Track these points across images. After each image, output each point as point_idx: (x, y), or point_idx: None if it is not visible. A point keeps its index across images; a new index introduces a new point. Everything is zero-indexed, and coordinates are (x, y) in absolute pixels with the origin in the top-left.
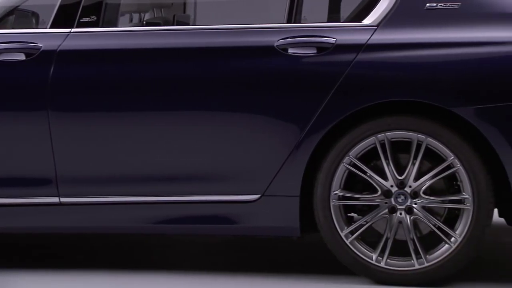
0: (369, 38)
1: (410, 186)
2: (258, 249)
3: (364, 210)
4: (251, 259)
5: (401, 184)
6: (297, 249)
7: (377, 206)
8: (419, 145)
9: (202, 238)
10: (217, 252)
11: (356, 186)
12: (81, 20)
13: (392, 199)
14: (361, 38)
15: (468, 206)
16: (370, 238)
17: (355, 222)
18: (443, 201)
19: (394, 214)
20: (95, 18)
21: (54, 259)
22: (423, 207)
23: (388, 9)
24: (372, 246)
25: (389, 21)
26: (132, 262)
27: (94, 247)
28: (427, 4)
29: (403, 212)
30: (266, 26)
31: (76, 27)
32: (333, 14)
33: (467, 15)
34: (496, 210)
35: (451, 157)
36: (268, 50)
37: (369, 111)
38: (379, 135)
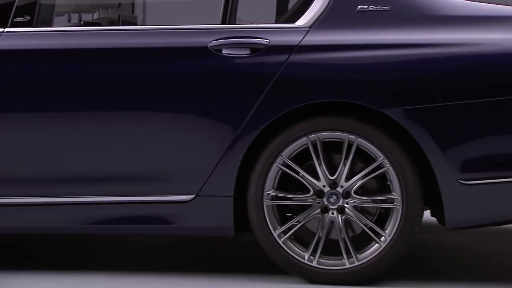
0: (301, 40)
1: (342, 186)
2: (197, 249)
3: (298, 210)
4: (191, 259)
5: (333, 184)
6: (236, 249)
7: (309, 206)
8: (350, 146)
9: (143, 238)
10: (156, 252)
11: (290, 186)
12: (15, 20)
13: (325, 199)
14: (293, 39)
15: (397, 205)
16: (307, 238)
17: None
18: (373, 201)
19: (326, 214)
20: (29, 18)
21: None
22: (355, 207)
23: (321, 11)
24: (306, 246)
25: (322, 22)
26: (73, 263)
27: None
28: (359, 6)
29: (335, 212)
30: (200, 27)
31: (10, 27)
32: (280, 16)
33: (397, 17)
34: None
35: (381, 158)
36: (201, 51)
37: (302, 111)
38: (311, 136)
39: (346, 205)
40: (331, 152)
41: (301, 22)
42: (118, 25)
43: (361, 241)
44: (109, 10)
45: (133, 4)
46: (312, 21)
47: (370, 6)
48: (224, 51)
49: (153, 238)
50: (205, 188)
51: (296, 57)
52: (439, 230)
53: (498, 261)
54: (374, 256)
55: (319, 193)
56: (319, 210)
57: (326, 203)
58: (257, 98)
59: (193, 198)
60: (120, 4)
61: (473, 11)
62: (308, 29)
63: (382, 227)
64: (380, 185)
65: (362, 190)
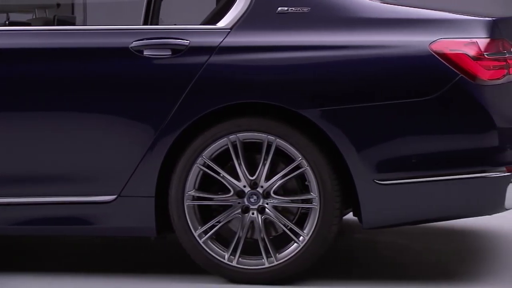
0: (222, 41)
1: (262, 187)
2: (121, 249)
3: (221, 211)
4: (115, 259)
5: (254, 185)
6: (160, 249)
7: (230, 206)
8: (269, 146)
9: (70, 238)
10: (86, 252)
11: (214, 186)
12: None
13: (245, 199)
14: (214, 40)
15: (315, 205)
16: (230, 238)
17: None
18: (292, 201)
19: (246, 214)
20: None
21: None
22: (274, 207)
23: (242, 12)
24: (226, 245)
25: (242, 24)
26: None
27: None
28: (279, 8)
29: (255, 212)
30: (122, 28)
31: None
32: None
33: (316, 19)
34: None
35: (299, 158)
36: (122, 52)
37: (225, 112)
38: (231, 136)
39: (266, 205)
40: (254, 153)
41: (222, 23)
42: (53, 25)
43: (283, 241)
44: (46, 10)
45: (72, 5)
46: (233, 22)
47: (290, 8)
48: (146, 52)
49: (87, 238)
50: (127, 189)
51: (216, 58)
52: (372, 230)
53: (428, 260)
54: (292, 256)
55: (240, 193)
56: (239, 210)
57: (246, 203)
58: (178, 99)
59: (115, 199)
60: (58, 5)
61: (390, 14)
62: (229, 30)
63: (301, 227)
64: (301, 185)
65: (284, 191)
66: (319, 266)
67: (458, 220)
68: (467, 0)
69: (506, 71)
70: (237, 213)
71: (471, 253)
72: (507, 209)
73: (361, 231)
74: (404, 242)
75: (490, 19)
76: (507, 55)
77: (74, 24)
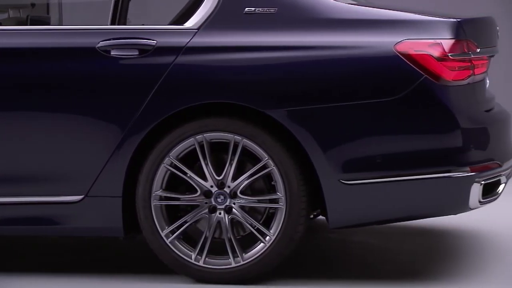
0: (188, 41)
1: (229, 187)
2: (94, 249)
3: (188, 211)
4: (87, 259)
5: (221, 185)
6: (128, 248)
7: (197, 206)
8: (236, 146)
9: (64, 238)
10: (55, 253)
11: (182, 186)
12: None
13: (212, 199)
14: (181, 40)
15: (281, 205)
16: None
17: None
18: (259, 201)
19: (213, 214)
20: None
21: None
22: (241, 207)
23: (209, 13)
24: (194, 245)
25: (209, 24)
26: None
27: None
28: (246, 9)
29: (222, 212)
30: (89, 28)
31: None
32: None
33: (283, 20)
34: None
35: (265, 158)
36: (89, 52)
37: (192, 112)
38: (197, 136)
39: (233, 205)
40: (222, 153)
41: (189, 24)
42: (26, 25)
43: (252, 241)
44: (21, 10)
45: (47, 5)
46: (200, 23)
47: (257, 9)
48: (113, 52)
49: (60, 238)
50: (94, 189)
51: (182, 59)
52: (346, 230)
53: (401, 259)
54: (259, 255)
55: (207, 193)
56: (207, 210)
57: (213, 203)
58: (144, 99)
59: (82, 199)
60: (33, 5)
61: (356, 14)
62: (196, 30)
63: (267, 226)
64: (269, 185)
65: (251, 191)
66: (292, 266)
67: (431, 219)
68: (468, 0)
69: (470, 71)
70: (204, 213)
71: (443, 252)
72: (471, 209)
73: (335, 231)
74: (377, 241)
75: (454, 20)
76: (471, 56)
77: (48, 24)
